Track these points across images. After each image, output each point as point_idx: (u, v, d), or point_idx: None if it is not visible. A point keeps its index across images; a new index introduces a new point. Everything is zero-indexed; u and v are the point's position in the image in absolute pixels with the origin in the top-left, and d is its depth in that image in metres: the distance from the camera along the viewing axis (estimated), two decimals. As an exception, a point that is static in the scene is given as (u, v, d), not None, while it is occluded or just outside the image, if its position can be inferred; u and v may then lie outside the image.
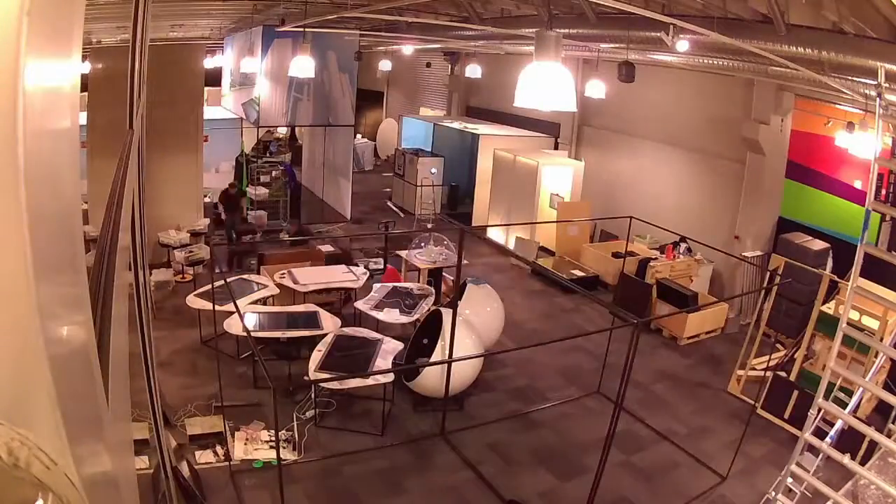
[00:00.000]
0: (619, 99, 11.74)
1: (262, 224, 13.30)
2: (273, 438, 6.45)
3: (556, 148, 14.77)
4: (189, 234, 10.81)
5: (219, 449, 6.29)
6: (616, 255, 11.51)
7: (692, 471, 6.58)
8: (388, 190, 17.49)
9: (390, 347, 7.21)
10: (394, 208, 16.45)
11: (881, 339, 6.47)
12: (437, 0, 9.74)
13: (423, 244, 10.36)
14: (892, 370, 7.29)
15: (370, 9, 8.64)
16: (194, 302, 8.09)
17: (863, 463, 4.16)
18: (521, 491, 6.07)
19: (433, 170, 15.59)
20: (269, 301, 8.52)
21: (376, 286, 8.95)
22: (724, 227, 10.93)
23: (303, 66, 8.28)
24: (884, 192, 9.12)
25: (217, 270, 7.98)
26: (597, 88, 10.32)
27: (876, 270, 6.88)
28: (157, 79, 7.20)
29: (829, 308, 7.68)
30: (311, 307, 8.15)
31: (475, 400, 7.64)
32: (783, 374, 7.85)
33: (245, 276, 9.08)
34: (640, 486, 6.31)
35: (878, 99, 4.14)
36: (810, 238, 9.50)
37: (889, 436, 4.55)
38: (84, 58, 9.79)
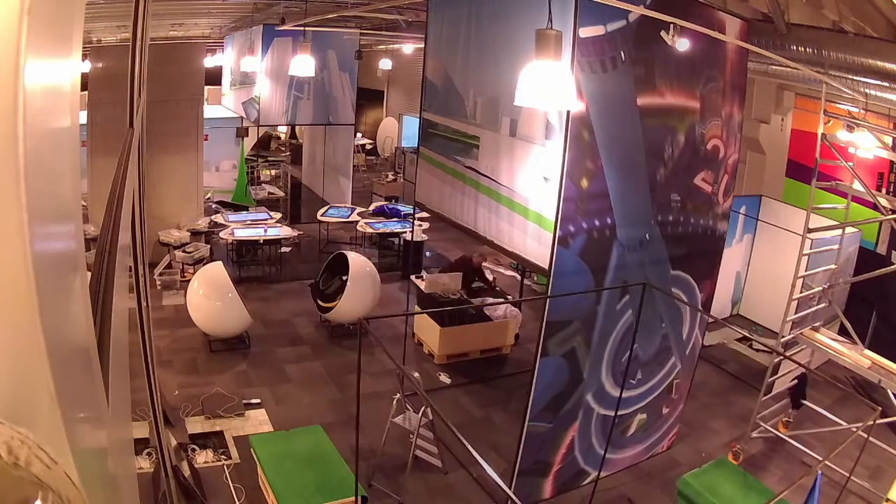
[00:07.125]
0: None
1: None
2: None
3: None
4: (189, 234, 10.82)
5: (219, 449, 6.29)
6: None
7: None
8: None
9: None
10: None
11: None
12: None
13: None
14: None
15: (370, 7, 8.63)
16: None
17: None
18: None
19: None
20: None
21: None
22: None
23: (303, 64, 8.25)
24: (884, 189, 9.10)
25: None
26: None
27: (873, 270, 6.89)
28: (157, 78, 7.19)
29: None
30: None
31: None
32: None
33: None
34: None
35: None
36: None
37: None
38: (84, 57, 9.79)
